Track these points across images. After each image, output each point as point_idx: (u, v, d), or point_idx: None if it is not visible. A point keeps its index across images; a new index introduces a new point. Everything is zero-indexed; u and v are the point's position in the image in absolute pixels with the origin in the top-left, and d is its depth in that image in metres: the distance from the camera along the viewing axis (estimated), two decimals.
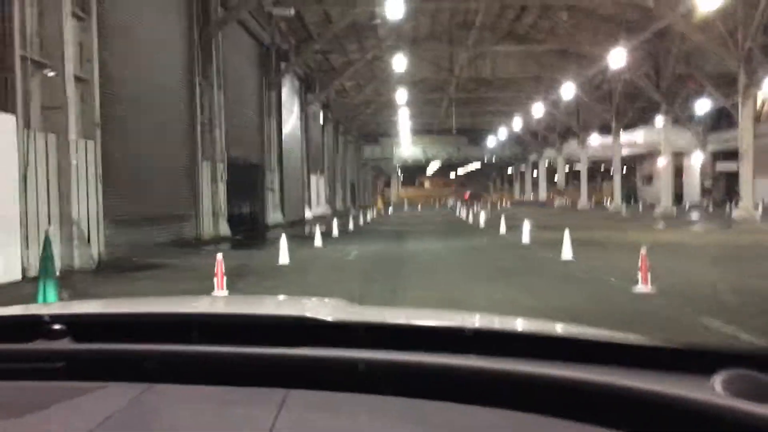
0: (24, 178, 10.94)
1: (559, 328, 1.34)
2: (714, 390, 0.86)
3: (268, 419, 0.85)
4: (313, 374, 0.97)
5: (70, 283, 10.02)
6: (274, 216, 28.89)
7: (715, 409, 0.83)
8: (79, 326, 1.10)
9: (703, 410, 0.84)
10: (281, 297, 1.58)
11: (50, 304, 1.71)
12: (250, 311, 1.37)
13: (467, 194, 74.62)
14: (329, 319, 1.10)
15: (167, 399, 0.94)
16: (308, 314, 1.15)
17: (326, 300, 1.63)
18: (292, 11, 27.13)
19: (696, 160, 53.48)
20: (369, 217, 35.54)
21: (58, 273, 11.48)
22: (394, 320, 1.33)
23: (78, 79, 12.59)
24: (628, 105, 45.11)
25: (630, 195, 63.11)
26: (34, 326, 1.09)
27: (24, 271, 10.73)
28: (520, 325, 1.38)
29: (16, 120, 10.75)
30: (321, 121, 44.15)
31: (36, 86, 11.62)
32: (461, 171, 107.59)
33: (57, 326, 1.08)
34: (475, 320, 1.41)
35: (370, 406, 0.91)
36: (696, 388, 0.87)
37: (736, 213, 26.84)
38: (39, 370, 1.02)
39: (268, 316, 1.23)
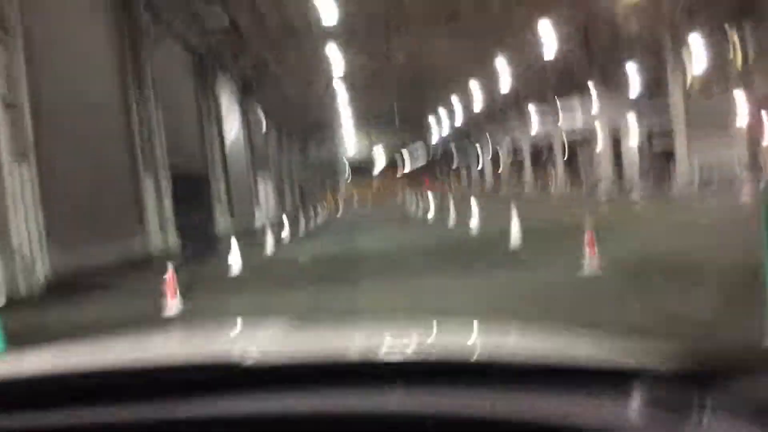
0: None
1: (471, 340, 1.32)
2: (631, 409, 0.88)
3: None
4: (243, 429, 0.96)
5: (16, 311, 9.74)
6: (223, 224, 28.54)
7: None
8: (33, 392, 1.07)
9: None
10: (219, 325, 1.54)
11: None
12: (182, 356, 1.27)
13: (426, 180, 73.19)
14: (256, 358, 1.09)
15: None
16: (237, 353, 1.12)
17: (269, 323, 1.61)
18: (227, 20, 26.76)
19: (633, 141, 54.67)
20: (320, 218, 35.44)
21: (3, 301, 11.13)
22: (328, 352, 1.30)
23: (5, 101, 12.19)
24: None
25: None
26: None
27: None
28: (444, 346, 1.33)
29: None
30: (264, 125, 43.75)
31: None
32: (408, 164, 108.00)
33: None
34: (408, 339, 1.40)
35: None
36: (612, 409, 0.88)
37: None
38: None
39: (196, 366, 1.15)
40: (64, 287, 12.76)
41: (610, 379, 0.97)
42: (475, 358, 1.14)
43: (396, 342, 1.35)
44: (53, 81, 14.70)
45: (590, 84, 37.60)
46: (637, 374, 0.96)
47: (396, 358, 1.12)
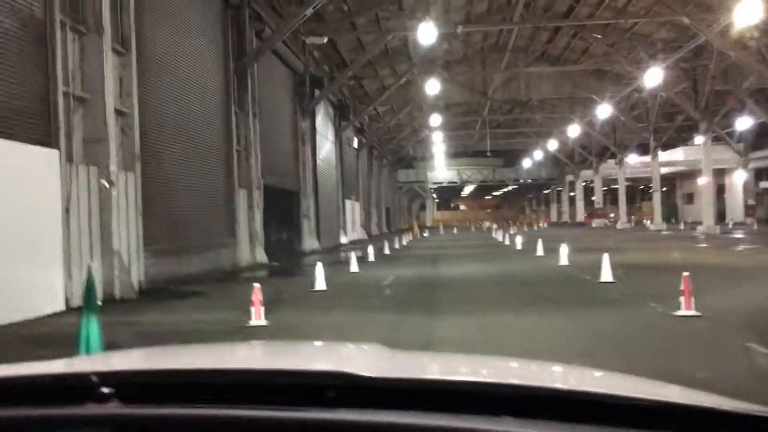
0: (67, 211, 11.21)
1: (593, 382, 1.31)
2: None
3: None
4: None
5: (112, 314, 10.19)
6: (309, 242, 29.07)
7: None
8: (126, 387, 1.12)
9: None
10: (318, 343, 1.61)
11: (96, 358, 1.76)
12: (291, 366, 1.39)
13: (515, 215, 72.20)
14: (367, 374, 1.11)
15: None
16: (348, 369, 1.15)
17: (364, 346, 1.63)
18: (325, 39, 27.53)
19: (738, 178, 52.36)
20: (405, 241, 35.53)
21: (99, 303, 11.71)
22: (433, 376, 1.34)
23: (118, 113, 12.92)
24: (666, 123, 44.57)
25: (671, 214, 62.06)
26: (83, 388, 1.11)
27: (67, 301, 10.95)
28: (557, 378, 1.36)
29: (59, 154, 11.05)
30: (355, 147, 44.49)
31: (78, 120, 11.94)
32: (497, 193, 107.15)
33: (105, 389, 1.10)
34: (512, 372, 1.40)
35: None
36: None
37: None
38: None
39: (310, 373, 1.25)
40: (156, 293, 13.28)
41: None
42: (568, 391, 1.13)
43: (502, 371, 1.36)
44: (161, 96, 15.47)
45: (698, 124, 36.22)
46: (757, 419, 0.95)
47: (499, 389, 1.09)
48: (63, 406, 1.09)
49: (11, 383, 1.21)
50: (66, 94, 11.45)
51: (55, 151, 10.97)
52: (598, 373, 1.50)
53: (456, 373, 1.41)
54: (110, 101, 12.38)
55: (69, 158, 11.41)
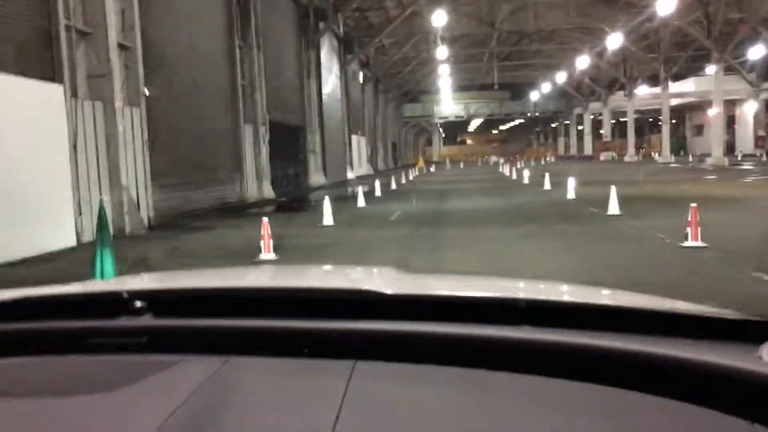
0: (74, 147, 11.21)
1: (605, 297, 1.34)
2: (762, 359, 0.86)
3: (340, 389, 0.90)
4: (378, 346, 1.00)
5: (124, 248, 10.33)
6: (316, 177, 29.08)
7: (763, 378, 0.82)
8: (157, 302, 1.15)
9: (751, 379, 0.83)
10: (330, 267, 1.65)
11: (125, 278, 1.80)
12: (312, 284, 1.42)
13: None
14: (388, 291, 1.13)
15: (244, 371, 0.99)
16: (366, 287, 1.17)
17: (376, 269, 1.66)
18: None
19: (749, 108, 51.64)
20: (411, 176, 35.49)
21: (111, 238, 11.85)
22: (450, 292, 1.36)
23: (121, 47, 12.74)
24: (677, 54, 43.71)
25: (679, 147, 61.60)
26: (116, 303, 1.14)
27: (78, 236, 11.07)
28: (568, 294, 1.39)
29: (64, 89, 10.97)
30: (361, 81, 43.91)
31: (81, 55, 11.80)
32: (503, 127, 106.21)
33: (138, 303, 1.13)
34: (525, 290, 1.43)
35: (436, 376, 0.94)
36: (743, 357, 0.87)
37: None
38: (123, 345, 1.07)
39: (332, 290, 1.28)
40: (165, 227, 13.40)
41: (739, 328, 1.00)
42: (595, 303, 1.19)
43: (517, 288, 1.39)
44: (164, 29, 15.21)
45: (710, 54, 35.49)
46: (763, 324, 0.98)
47: (514, 302, 1.12)
48: (99, 319, 1.12)
49: (48, 300, 1.25)
50: (68, 28, 11.28)
51: (59, 87, 10.89)
52: (606, 291, 1.53)
53: (472, 290, 1.44)
54: (113, 35, 12.20)
55: (74, 93, 11.33)
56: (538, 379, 0.91)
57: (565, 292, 1.44)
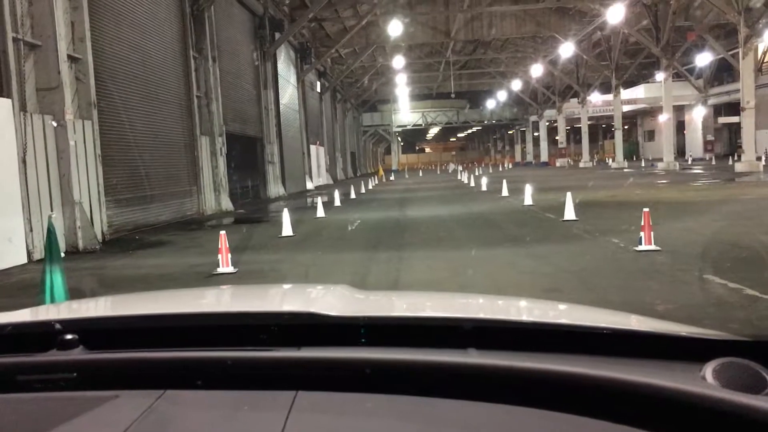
0: (23, 161, 10.92)
1: (558, 314, 1.35)
2: (705, 380, 0.86)
3: (279, 422, 0.87)
4: (321, 375, 0.98)
5: (76, 264, 10.08)
6: (275, 188, 28.89)
7: (706, 401, 0.83)
8: (89, 333, 1.11)
9: (693, 402, 0.84)
10: (286, 286, 1.61)
11: (59, 306, 1.74)
12: (257, 308, 1.38)
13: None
14: (334, 314, 1.11)
15: (180, 406, 0.96)
16: (314, 309, 1.15)
17: (331, 287, 1.64)
18: None
19: (698, 114, 53.14)
20: (371, 185, 35.52)
21: (63, 254, 11.55)
22: (399, 313, 1.35)
23: (72, 59, 12.49)
24: (627, 61, 44.77)
25: (632, 152, 62.97)
26: (46, 335, 1.10)
27: (29, 254, 10.78)
28: (521, 311, 1.39)
29: (12, 103, 10.70)
30: (318, 91, 43.85)
31: (30, 68, 11.53)
32: (461, 135, 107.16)
33: (69, 335, 1.09)
34: (478, 308, 1.42)
35: (379, 406, 0.92)
36: (686, 378, 0.87)
37: (739, 166, 26.74)
38: (53, 381, 1.03)
39: (276, 314, 1.25)
40: (120, 242, 13.14)
41: (681, 346, 1.00)
42: (541, 322, 1.17)
43: (468, 307, 1.38)
44: (116, 41, 14.97)
45: (659, 62, 36.41)
46: (709, 343, 0.99)
47: (464, 323, 1.11)
48: (27, 354, 1.08)
49: None
50: (16, 41, 11.01)
51: (7, 101, 10.62)
52: (561, 306, 1.54)
53: (422, 310, 1.43)
54: (63, 47, 11.96)
55: (23, 107, 11.05)
56: (483, 406, 0.90)
57: (519, 309, 1.44)
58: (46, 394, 1.02)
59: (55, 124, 11.79)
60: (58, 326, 1.12)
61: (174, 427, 0.89)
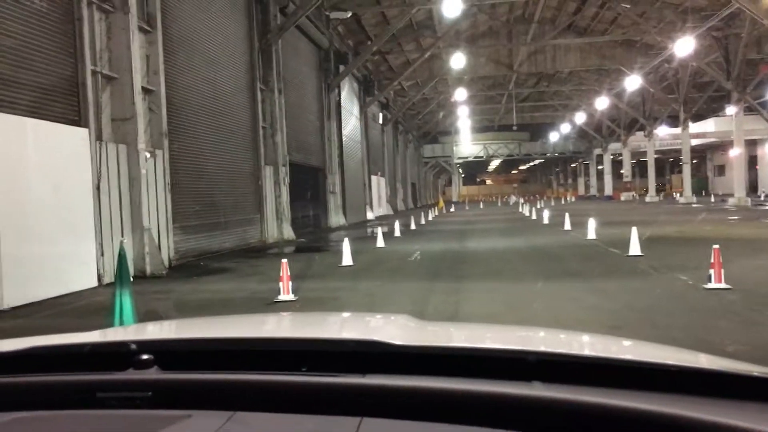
0: (98, 188, 11.39)
1: (624, 350, 1.32)
2: None
3: None
4: (386, 402, 0.99)
5: (144, 289, 10.39)
6: (336, 218, 29.18)
7: None
8: (164, 354, 1.15)
9: None
10: (346, 314, 1.64)
11: (134, 327, 1.80)
12: (322, 335, 1.42)
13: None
14: (398, 342, 1.12)
15: (249, 427, 0.98)
16: (377, 338, 1.17)
17: (392, 317, 1.65)
18: (349, 14, 27.38)
19: None
20: (431, 216, 35.49)
21: (131, 279, 11.94)
22: (462, 344, 1.35)
23: (146, 91, 13.03)
24: (696, 94, 43.69)
25: (701, 187, 61.08)
26: (122, 355, 1.15)
27: (99, 278, 11.17)
28: (585, 346, 1.37)
29: (89, 133, 11.20)
30: (380, 122, 44.33)
31: (106, 99, 12.08)
32: (523, 167, 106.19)
33: (145, 356, 1.13)
34: (541, 341, 1.41)
35: None
36: (761, 419, 0.84)
37: None
38: (129, 399, 1.07)
39: (341, 341, 1.27)
40: (185, 268, 13.48)
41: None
42: (612, 357, 1.14)
43: (530, 340, 1.38)
44: (187, 73, 15.55)
45: (729, 95, 35.46)
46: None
47: (527, 356, 1.10)
48: (105, 372, 1.13)
49: (55, 351, 1.25)
50: (94, 73, 11.57)
51: (85, 130, 11.12)
52: (626, 342, 1.50)
53: (484, 341, 1.42)
54: (137, 79, 12.49)
55: (98, 137, 11.56)
56: None
57: (582, 344, 1.42)
58: (124, 412, 1.06)
59: (148, 155, 12.35)
60: (133, 347, 1.16)
61: None
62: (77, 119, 11.12)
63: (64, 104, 10.88)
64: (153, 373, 1.12)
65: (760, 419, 0.85)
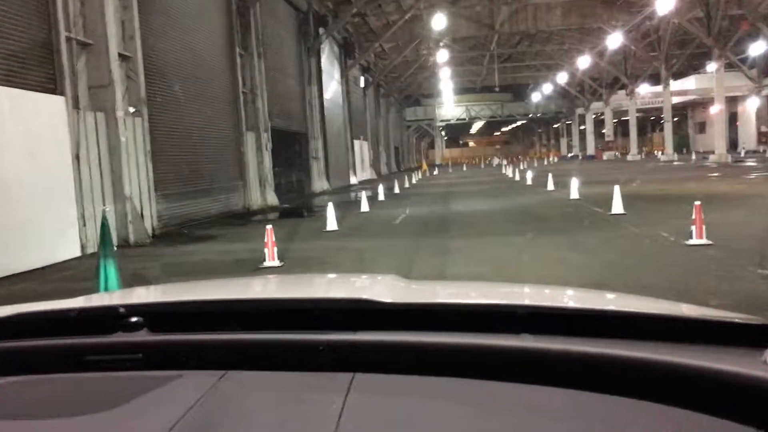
0: (77, 158, 11.24)
1: (608, 302, 1.34)
2: (766, 364, 0.85)
3: (338, 402, 0.89)
4: (377, 358, 1.00)
5: (128, 257, 10.34)
6: (319, 183, 29.10)
7: (766, 384, 0.81)
8: (153, 317, 1.15)
9: (755, 385, 0.83)
10: (333, 275, 1.65)
11: (122, 292, 1.79)
12: (311, 295, 1.41)
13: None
14: (387, 300, 1.12)
15: (242, 386, 0.99)
16: (366, 296, 1.17)
17: (379, 277, 1.65)
18: None
19: (751, 105, 51.55)
20: (414, 179, 35.49)
21: (114, 248, 11.86)
22: (449, 300, 1.35)
23: (122, 57, 12.79)
24: (677, 52, 43.68)
25: (682, 144, 61.49)
26: (112, 318, 1.14)
27: (83, 247, 11.10)
28: (571, 299, 1.38)
29: (66, 101, 11.01)
30: (362, 86, 43.96)
31: (82, 66, 11.84)
32: (506, 129, 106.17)
33: (134, 318, 1.12)
34: (528, 296, 1.42)
35: (436, 388, 0.93)
36: (747, 362, 0.86)
37: None
38: (120, 361, 1.07)
39: (330, 300, 1.27)
40: (169, 236, 13.42)
41: (742, 332, 0.99)
42: (595, 309, 1.19)
43: (517, 295, 1.39)
44: (165, 39, 15.26)
45: (710, 52, 35.47)
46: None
47: (515, 309, 1.11)
48: (94, 335, 1.12)
49: (41, 316, 1.24)
50: (69, 40, 11.32)
51: (61, 98, 10.93)
52: (610, 295, 1.52)
53: (473, 297, 1.43)
54: (113, 45, 12.25)
55: (75, 105, 11.37)
56: (540, 389, 0.90)
57: (569, 297, 1.43)
58: (114, 374, 1.05)
59: (132, 110, 12.22)
60: (122, 310, 1.16)
61: (237, 405, 0.92)
62: (53, 87, 10.91)
63: (39, 72, 10.66)
64: (142, 335, 1.11)
65: (743, 363, 0.86)
